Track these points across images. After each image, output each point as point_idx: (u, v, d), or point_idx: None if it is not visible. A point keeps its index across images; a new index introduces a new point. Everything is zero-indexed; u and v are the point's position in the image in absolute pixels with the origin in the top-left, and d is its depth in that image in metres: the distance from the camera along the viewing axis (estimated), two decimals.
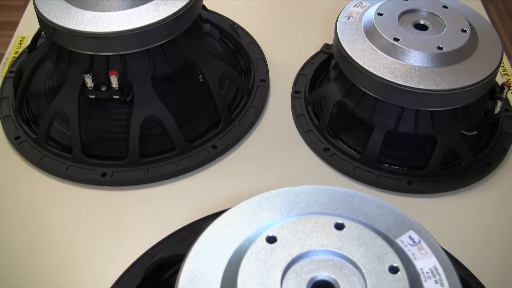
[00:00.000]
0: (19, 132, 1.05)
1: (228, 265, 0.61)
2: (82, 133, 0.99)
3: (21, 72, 1.09)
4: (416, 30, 1.00)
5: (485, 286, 0.85)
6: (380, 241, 0.62)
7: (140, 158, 0.99)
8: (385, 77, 0.93)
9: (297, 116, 1.09)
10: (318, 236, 0.62)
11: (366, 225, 0.64)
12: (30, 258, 0.89)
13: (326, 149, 1.03)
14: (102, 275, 0.86)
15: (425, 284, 0.61)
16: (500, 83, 1.04)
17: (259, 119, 1.09)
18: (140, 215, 0.95)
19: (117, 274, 0.86)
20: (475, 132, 1.06)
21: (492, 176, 1.02)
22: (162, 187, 0.99)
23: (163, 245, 0.89)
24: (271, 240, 0.62)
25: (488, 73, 0.95)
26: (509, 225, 0.95)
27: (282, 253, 0.61)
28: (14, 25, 1.29)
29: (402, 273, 0.60)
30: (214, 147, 1.03)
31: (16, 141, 1.04)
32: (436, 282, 0.61)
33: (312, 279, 0.60)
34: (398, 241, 0.64)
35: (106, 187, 0.99)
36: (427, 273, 0.62)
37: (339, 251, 0.61)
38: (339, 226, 0.63)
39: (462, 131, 1.02)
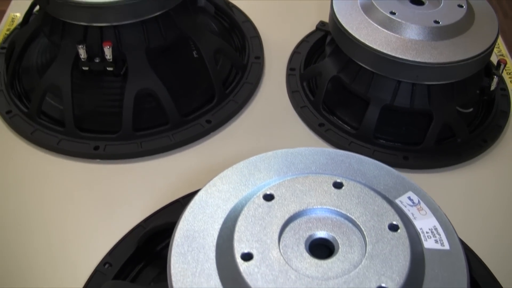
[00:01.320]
0: (10, 106, 1.04)
1: (224, 223, 0.60)
2: (75, 107, 0.97)
3: (13, 46, 1.08)
4: (412, 5, 0.99)
5: (483, 259, 0.84)
6: (379, 200, 0.61)
7: (133, 132, 0.98)
8: (381, 50, 0.93)
9: (292, 92, 1.08)
10: (316, 195, 0.61)
11: (365, 185, 0.63)
12: (21, 231, 0.88)
13: (321, 125, 1.02)
14: (94, 247, 0.85)
15: (425, 243, 0.60)
16: (495, 64, 1.03)
17: (254, 95, 1.08)
18: (132, 189, 0.94)
19: (110, 246, 0.85)
20: (471, 109, 1.05)
21: (488, 153, 1.01)
22: (155, 161, 0.98)
23: (156, 217, 0.88)
24: (268, 198, 0.61)
25: (484, 48, 0.95)
26: (504, 200, 0.95)
27: (280, 210, 0.60)
28: (1, 14, 1.27)
29: (402, 231, 0.59)
30: (208, 121, 1.02)
31: (7, 115, 1.02)
32: (436, 241, 0.60)
33: (310, 236, 0.59)
34: (397, 201, 0.63)
35: (98, 160, 0.97)
36: (427, 233, 0.61)
37: (338, 209, 0.60)
38: (338, 185, 0.63)
39: (458, 108, 1.01)
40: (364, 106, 0.99)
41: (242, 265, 0.55)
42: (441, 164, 0.98)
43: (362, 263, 0.56)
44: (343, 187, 0.62)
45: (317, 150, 0.68)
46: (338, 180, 0.63)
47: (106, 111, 1.01)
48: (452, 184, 0.96)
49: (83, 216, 0.90)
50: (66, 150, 0.98)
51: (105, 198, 0.92)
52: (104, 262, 0.84)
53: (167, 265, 0.58)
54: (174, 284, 0.56)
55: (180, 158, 0.98)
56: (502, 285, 0.82)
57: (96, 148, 0.97)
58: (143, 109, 1.00)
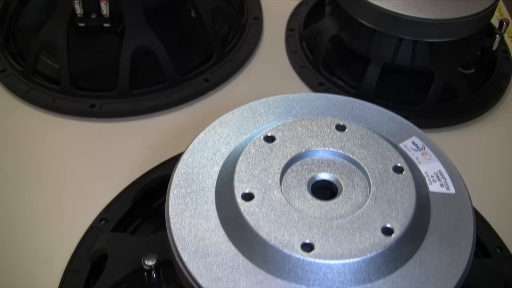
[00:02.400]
0: (4, 65, 1.02)
1: (224, 165, 0.59)
2: (71, 66, 0.95)
3: (7, 5, 1.06)
4: None
5: (484, 216, 0.83)
6: (383, 143, 0.60)
7: (130, 90, 0.96)
8: (383, 6, 0.91)
9: (291, 52, 1.07)
10: (318, 137, 0.60)
11: (368, 128, 0.62)
12: (18, 189, 0.86)
13: (321, 84, 1.01)
14: (90, 204, 0.83)
15: (430, 187, 0.58)
16: (497, 27, 1.02)
17: (253, 55, 1.07)
18: (129, 147, 0.92)
19: (106, 202, 0.83)
20: (472, 70, 1.04)
21: (490, 114, 1.00)
22: (152, 119, 0.96)
23: (153, 173, 0.87)
24: (270, 139, 0.60)
25: (487, 5, 0.93)
26: (505, 161, 0.94)
27: (281, 152, 0.59)
28: None
29: (407, 173, 0.57)
30: (206, 80, 1.00)
31: (1, 74, 1.00)
32: (441, 185, 0.59)
33: (312, 178, 0.58)
34: (401, 146, 0.62)
35: (94, 118, 0.95)
36: (432, 176, 0.59)
37: (341, 151, 0.59)
38: (340, 128, 0.61)
39: (460, 68, 0.99)
40: (365, 65, 0.98)
41: (242, 205, 0.54)
42: (442, 123, 0.97)
43: (367, 203, 0.55)
44: (346, 130, 0.61)
45: (319, 95, 0.67)
46: (341, 123, 0.61)
47: (102, 70, 0.99)
48: (453, 144, 0.95)
49: (79, 173, 0.88)
50: (62, 108, 0.96)
51: (101, 156, 0.91)
52: (100, 218, 0.82)
53: (165, 207, 0.57)
54: (172, 226, 0.55)
55: (177, 117, 0.97)
56: (504, 241, 0.81)
57: (92, 106, 0.95)
58: (141, 68, 0.98)
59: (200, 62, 1.03)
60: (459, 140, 0.96)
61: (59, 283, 0.76)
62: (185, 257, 0.53)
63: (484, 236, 0.82)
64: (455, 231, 0.55)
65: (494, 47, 1.00)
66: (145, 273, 0.60)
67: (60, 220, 0.83)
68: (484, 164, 0.93)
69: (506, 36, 1.12)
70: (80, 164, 0.90)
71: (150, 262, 0.60)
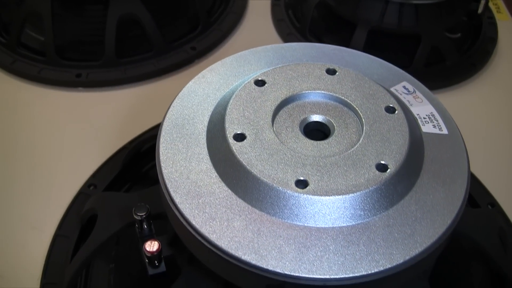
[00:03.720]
0: None
1: (215, 109, 0.58)
2: (56, 37, 0.95)
3: None
4: None
5: (476, 175, 0.83)
6: (374, 85, 0.59)
7: (117, 58, 0.95)
8: None
9: (277, 21, 1.06)
10: (309, 80, 0.59)
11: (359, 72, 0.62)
12: (5, 159, 0.85)
13: None
14: (78, 171, 0.82)
15: (423, 127, 0.58)
16: None
17: (239, 24, 1.06)
18: (117, 115, 0.91)
19: (94, 169, 0.83)
20: (458, 35, 1.03)
21: (477, 77, 1.00)
22: (139, 88, 0.96)
23: (142, 138, 0.86)
24: (260, 83, 0.59)
25: None
26: (492, 122, 0.94)
27: (272, 95, 0.58)
28: None
29: (399, 112, 0.57)
30: (193, 48, 1.00)
31: None
32: (434, 126, 0.58)
33: (305, 120, 0.57)
34: (392, 89, 0.61)
35: (81, 88, 0.94)
36: (424, 118, 0.59)
37: (332, 93, 0.58)
38: (331, 72, 0.60)
39: (446, 33, 0.99)
40: (352, 30, 0.97)
41: (234, 145, 0.53)
42: (431, 86, 0.95)
43: (360, 142, 0.54)
44: (337, 73, 0.60)
45: (308, 44, 0.67)
46: (331, 67, 0.61)
47: (88, 39, 0.98)
48: None
49: (67, 142, 0.87)
50: (48, 79, 0.95)
51: (88, 125, 0.90)
52: (89, 183, 0.82)
53: (156, 153, 0.56)
54: (163, 170, 0.54)
55: (164, 85, 0.96)
56: (495, 198, 0.81)
57: (78, 75, 0.94)
58: (127, 37, 0.98)
59: (187, 31, 1.02)
60: (448, 102, 0.94)
61: (48, 249, 0.75)
62: (177, 199, 0.52)
63: (476, 193, 0.82)
64: (450, 170, 0.55)
65: (480, 10, 0.99)
66: (136, 225, 0.59)
67: (48, 187, 0.82)
68: (473, 125, 0.93)
69: (491, 3, 1.12)
70: (68, 132, 0.89)
71: (141, 213, 0.59)
